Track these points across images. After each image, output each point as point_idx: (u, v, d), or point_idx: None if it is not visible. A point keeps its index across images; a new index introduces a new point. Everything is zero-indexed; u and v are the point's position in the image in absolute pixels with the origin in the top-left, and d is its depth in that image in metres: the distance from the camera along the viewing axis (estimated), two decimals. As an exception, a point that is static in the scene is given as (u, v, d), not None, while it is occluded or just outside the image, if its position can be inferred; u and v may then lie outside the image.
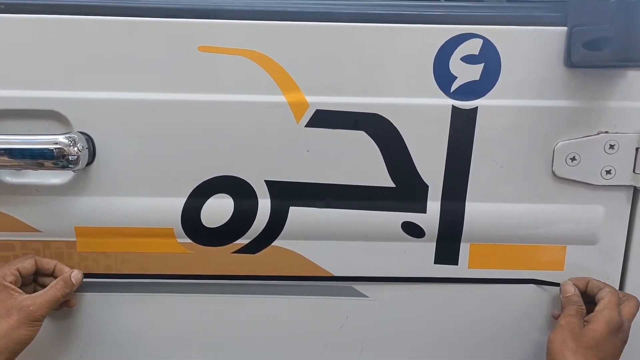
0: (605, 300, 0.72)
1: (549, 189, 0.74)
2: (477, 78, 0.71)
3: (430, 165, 0.73)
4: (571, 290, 0.75)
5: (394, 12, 0.71)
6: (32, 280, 0.76)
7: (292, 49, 0.70)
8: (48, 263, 0.74)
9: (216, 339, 0.81)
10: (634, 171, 0.73)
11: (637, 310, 0.74)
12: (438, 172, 0.73)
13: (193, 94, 0.71)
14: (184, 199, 0.74)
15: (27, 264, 0.72)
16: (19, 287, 0.71)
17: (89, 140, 0.71)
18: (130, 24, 0.69)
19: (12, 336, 0.67)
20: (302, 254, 0.76)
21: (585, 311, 0.74)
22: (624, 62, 0.68)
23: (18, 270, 0.71)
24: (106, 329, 0.80)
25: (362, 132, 0.72)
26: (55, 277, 0.73)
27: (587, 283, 0.76)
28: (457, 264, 0.77)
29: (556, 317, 0.76)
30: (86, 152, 0.70)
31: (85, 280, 0.76)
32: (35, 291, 0.73)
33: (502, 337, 0.81)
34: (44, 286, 0.73)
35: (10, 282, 0.70)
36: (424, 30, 0.70)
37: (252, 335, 0.81)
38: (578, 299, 0.75)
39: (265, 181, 0.74)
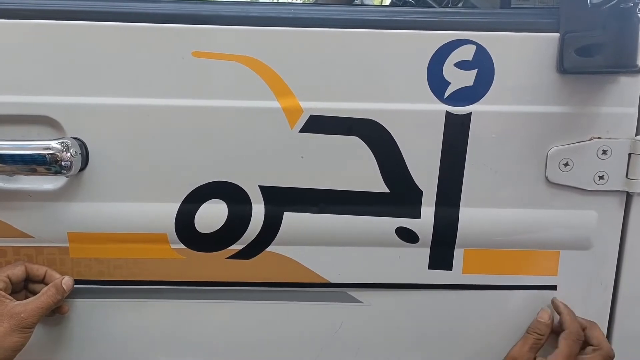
0: (557, 350, 0.73)
1: (542, 194, 0.74)
2: (471, 84, 0.71)
3: (424, 171, 0.73)
4: (545, 317, 0.76)
5: (387, 18, 0.72)
6: (23, 287, 0.75)
7: (286, 54, 0.70)
8: (38, 269, 0.74)
9: (210, 345, 0.80)
10: (626, 176, 0.73)
11: None
12: (432, 178, 0.73)
13: (187, 99, 0.71)
14: (178, 205, 0.73)
15: (17, 271, 0.72)
16: (10, 294, 0.70)
17: (82, 145, 0.70)
18: (124, 29, 0.69)
19: (3, 343, 0.67)
20: (296, 259, 0.76)
21: (542, 345, 0.75)
22: (616, 68, 0.69)
23: (8, 277, 0.71)
24: (99, 335, 0.79)
25: (356, 138, 0.72)
26: (46, 284, 0.73)
27: (568, 319, 0.75)
28: (451, 269, 0.77)
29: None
30: (79, 157, 0.69)
31: (78, 286, 0.75)
32: (26, 298, 0.72)
33: (496, 342, 0.80)
34: (34, 293, 0.73)
35: (1, 289, 0.69)
36: (417, 36, 0.70)
37: (246, 341, 0.80)
38: (545, 329, 0.75)
39: (260, 186, 0.73)
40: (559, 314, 0.77)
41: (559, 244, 0.76)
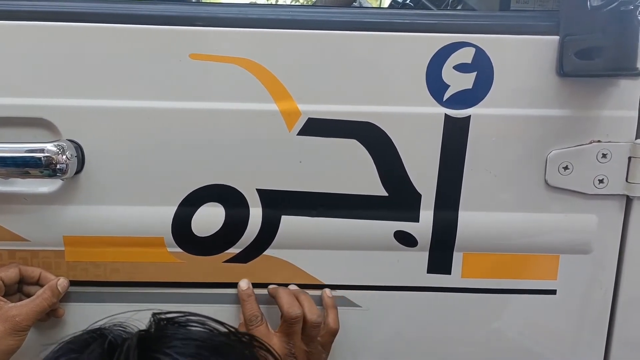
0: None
1: (542, 198, 0.74)
2: (470, 87, 0.70)
3: (423, 174, 0.73)
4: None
5: (386, 20, 0.71)
6: (17, 290, 0.74)
7: (284, 57, 0.69)
8: (32, 271, 0.73)
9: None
10: (626, 180, 0.73)
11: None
12: (431, 181, 0.73)
13: (184, 102, 0.70)
14: (175, 208, 0.73)
15: (10, 273, 0.71)
16: (3, 297, 0.70)
17: (78, 148, 0.70)
18: (121, 31, 0.68)
19: (-2, 346, 0.66)
20: (294, 263, 0.76)
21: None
22: (616, 71, 0.68)
23: (1, 279, 0.70)
24: (95, 340, 0.79)
25: (355, 141, 0.71)
26: (41, 286, 0.72)
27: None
28: (450, 273, 0.76)
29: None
30: (75, 160, 0.69)
31: (73, 290, 0.74)
32: (21, 300, 0.72)
33: (494, 346, 0.80)
34: (29, 295, 0.72)
35: None
36: (416, 38, 0.70)
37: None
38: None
39: (257, 190, 0.73)
40: (274, 297, 0.74)
41: (558, 248, 0.76)
